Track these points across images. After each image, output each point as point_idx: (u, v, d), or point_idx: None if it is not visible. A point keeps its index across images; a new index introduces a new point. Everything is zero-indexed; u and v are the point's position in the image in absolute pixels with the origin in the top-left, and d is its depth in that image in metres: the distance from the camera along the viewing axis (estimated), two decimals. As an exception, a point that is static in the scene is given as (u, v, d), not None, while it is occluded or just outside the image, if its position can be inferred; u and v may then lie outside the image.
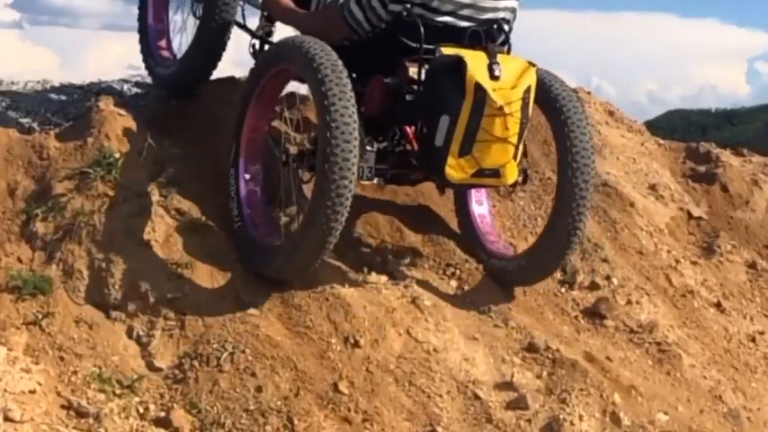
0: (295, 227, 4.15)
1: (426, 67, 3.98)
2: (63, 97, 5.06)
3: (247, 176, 4.24)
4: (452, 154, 3.81)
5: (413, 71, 4.01)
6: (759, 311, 5.09)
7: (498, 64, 3.81)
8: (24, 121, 4.70)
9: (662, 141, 6.33)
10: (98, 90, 5.14)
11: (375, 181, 4.53)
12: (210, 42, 4.62)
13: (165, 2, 5.07)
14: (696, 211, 5.60)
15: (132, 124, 4.42)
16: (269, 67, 4.16)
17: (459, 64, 3.80)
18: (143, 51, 5.02)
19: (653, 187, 5.63)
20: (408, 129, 4.15)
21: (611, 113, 6.16)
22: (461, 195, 4.71)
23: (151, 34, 5.01)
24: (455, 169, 3.83)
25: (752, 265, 5.37)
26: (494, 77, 3.79)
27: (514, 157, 3.91)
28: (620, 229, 5.17)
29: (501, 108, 3.76)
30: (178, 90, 4.80)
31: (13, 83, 5.53)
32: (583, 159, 4.14)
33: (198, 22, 4.67)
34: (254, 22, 4.70)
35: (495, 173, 3.90)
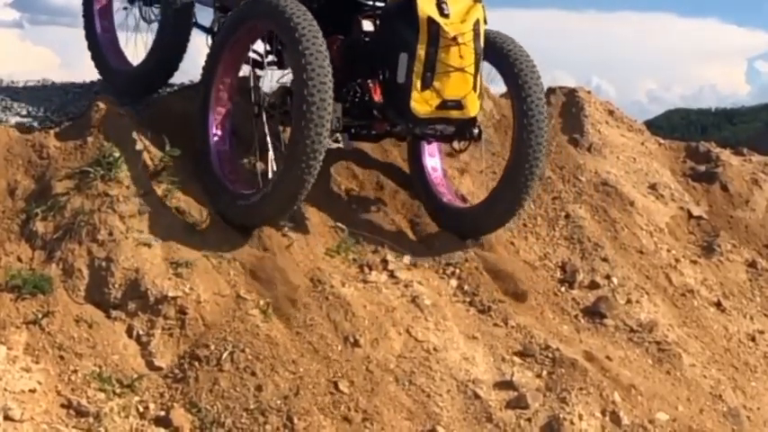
0: (263, 176, 4.25)
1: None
2: (63, 97, 5.04)
3: (216, 126, 4.35)
4: (415, 88, 4.07)
5: (367, 25, 4.29)
6: (759, 311, 5.10)
7: (446, 4, 4.12)
8: (24, 120, 4.68)
9: (662, 141, 6.34)
10: (98, 89, 5.13)
11: (340, 139, 4.64)
12: (172, 44, 4.74)
13: (110, 9, 5.19)
14: (696, 211, 5.61)
15: (132, 124, 4.42)
16: (242, 23, 4.29)
17: (410, 3, 4.07)
18: (96, 61, 5.12)
19: (653, 186, 5.63)
20: (370, 82, 4.33)
21: (611, 113, 6.16)
22: (415, 149, 4.87)
23: (102, 42, 5.12)
24: (420, 103, 4.10)
25: (752, 265, 5.37)
26: (444, 15, 4.09)
27: (474, 89, 4.18)
28: (620, 229, 5.17)
29: (454, 38, 4.07)
30: (140, 90, 4.84)
31: (13, 82, 5.51)
32: (537, 109, 4.35)
33: (157, 24, 4.79)
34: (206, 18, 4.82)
35: (458, 104, 4.16)
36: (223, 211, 4.22)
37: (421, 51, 4.05)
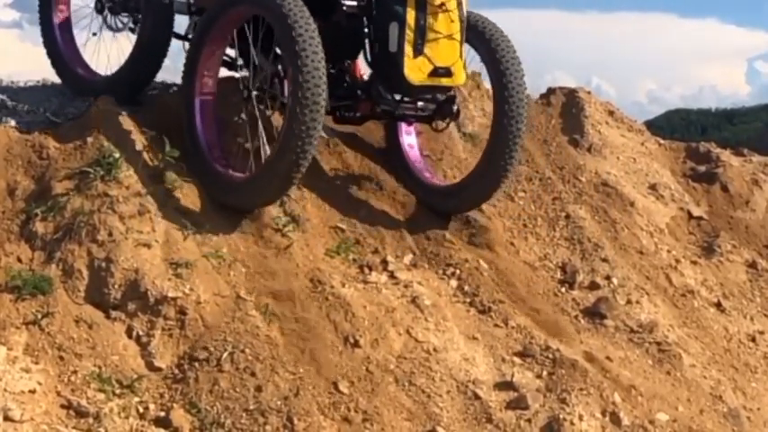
0: (253, 159, 4.29)
1: None
2: (63, 97, 5.04)
3: (203, 111, 4.39)
4: (408, 56, 4.21)
5: (348, 5, 4.40)
6: (759, 311, 5.10)
7: None
8: (24, 120, 4.68)
9: (662, 141, 6.34)
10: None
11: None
12: (152, 48, 4.73)
13: (69, 20, 5.19)
14: (696, 211, 5.61)
15: (132, 124, 4.41)
16: (228, 9, 4.33)
17: None
18: (58, 68, 5.13)
19: (653, 187, 5.63)
20: (352, 63, 4.49)
21: (611, 113, 6.16)
22: (392, 130, 4.98)
23: (65, 50, 5.12)
24: (413, 71, 4.22)
25: (752, 265, 5.37)
26: None
27: (461, 56, 4.33)
28: (621, 229, 5.17)
29: (441, 5, 4.23)
30: (121, 95, 4.77)
31: (13, 82, 5.51)
32: (516, 88, 4.45)
33: (137, 30, 4.80)
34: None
35: (448, 72, 4.29)
36: (216, 194, 4.28)
37: (410, 19, 4.19)
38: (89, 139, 4.30)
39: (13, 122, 4.60)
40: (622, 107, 6.37)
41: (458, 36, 4.29)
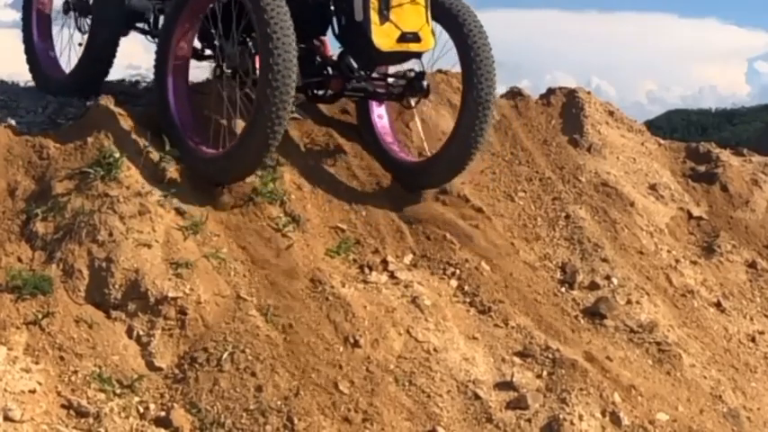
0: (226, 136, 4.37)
1: None
2: (63, 97, 5.05)
3: (175, 88, 4.46)
4: (374, 23, 4.29)
5: None
6: (759, 311, 5.10)
7: None
8: (24, 120, 4.68)
9: (662, 141, 6.34)
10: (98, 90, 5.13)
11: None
12: (100, 42, 4.86)
13: (49, 22, 5.32)
14: (696, 211, 5.61)
15: (132, 124, 4.42)
16: None
17: None
18: (32, 67, 5.28)
19: (653, 187, 5.63)
20: (319, 42, 4.59)
21: (611, 113, 6.16)
22: (364, 108, 5.05)
23: (39, 49, 5.27)
24: (381, 37, 4.31)
25: (752, 265, 5.37)
26: None
27: (427, 22, 4.42)
28: (621, 229, 5.17)
29: None
30: (77, 90, 4.95)
31: (13, 83, 5.52)
32: (486, 67, 4.52)
33: (86, 33, 4.94)
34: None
35: (416, 37, 4.39)
36: (191, 167, 4.33)
37: None
38: (89, 140, 4.31)
39: (13, 122, 4.61)
40: (622, 107, 6.37)
41: (422, 1, 4.37)
